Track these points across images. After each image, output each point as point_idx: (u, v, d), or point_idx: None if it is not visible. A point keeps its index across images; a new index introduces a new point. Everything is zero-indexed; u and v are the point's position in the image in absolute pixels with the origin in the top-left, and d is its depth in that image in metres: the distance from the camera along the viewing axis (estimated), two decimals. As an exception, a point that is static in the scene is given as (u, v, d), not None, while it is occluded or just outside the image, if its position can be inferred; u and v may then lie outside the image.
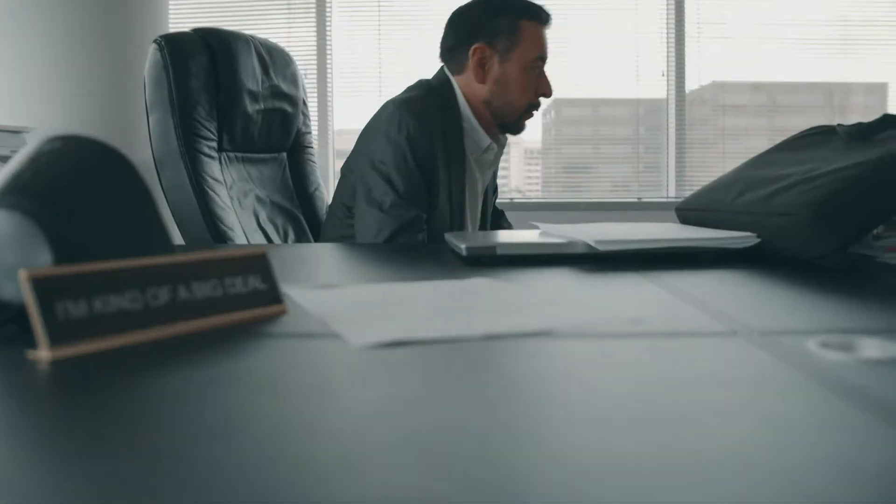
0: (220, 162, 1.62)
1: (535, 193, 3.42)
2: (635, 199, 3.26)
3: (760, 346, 0.44)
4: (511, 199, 3.20)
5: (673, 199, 3.13)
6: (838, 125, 1.06)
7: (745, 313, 0.54)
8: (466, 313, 0.53)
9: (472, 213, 1.54)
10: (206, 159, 1.53)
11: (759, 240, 0.87)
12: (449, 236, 1.01)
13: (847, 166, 0.86)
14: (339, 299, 0.60)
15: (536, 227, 1.08)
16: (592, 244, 0.84)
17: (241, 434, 0.29)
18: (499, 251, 0.88)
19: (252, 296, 0.53)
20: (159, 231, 0.52)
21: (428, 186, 1.37)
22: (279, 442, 0.29)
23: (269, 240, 1.85)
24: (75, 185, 0.49)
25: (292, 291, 0.64)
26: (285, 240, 1.94)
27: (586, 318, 0.51)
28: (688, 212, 1.08)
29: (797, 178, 0.89)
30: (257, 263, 0.54)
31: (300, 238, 2.02)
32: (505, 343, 0.45)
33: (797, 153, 1.03)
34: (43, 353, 0.41)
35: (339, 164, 3.20)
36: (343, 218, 1.46)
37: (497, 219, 1.78)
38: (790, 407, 0.33)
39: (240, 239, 1.67)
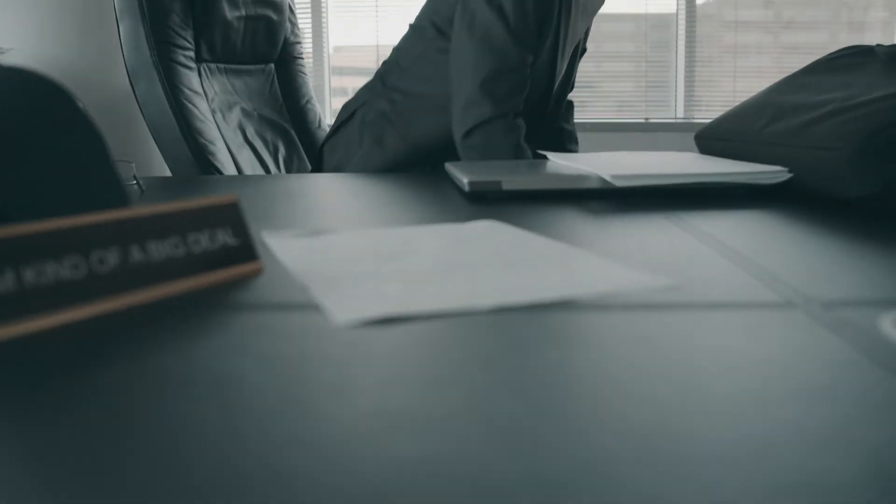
0: (200, 73, 1.51)
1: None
2: (642, 120, 3.14)
3: (828, 325, 0.37)
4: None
5: (682, 120, 3.02)
6: (877, 45, 0.96)
7: (798, 275, 0.46)
8: (471, 272, 0.45)
9: (561, 70, 1.32)
10: (182, 70, 1.42)
11: (790, 175, 0.79)
12: (450, 167, 0.92)
13: (894, 94, 0.77)
14: (324, 252, 0.52)
15: (544, 157, 0.99)
16: (609, 179, 0.76)
17: (187, 447, 0.22)
18: (504, 187, 0.79)
19: (221, 253, 0.45)
20: (111, 181, 0.43)
21: (539, 27, 1.18)
22: (232, 456, 0.22)
23: (258, 154, 1.76)
24: (3, 128, 0.41)
25: (271, 240, 0.57)
26: (275, 155, 1.85)
27: (612, 281, 0.43)
28: (709, 141, 0.99)
29: (836, 105, 0.80)
30: (227, 213, 0.46)
31: (291, 152, 1.92)
32: (517, 317, 0.38)
33: (832, 77, 0.93)
34: (-42, 339, 0.33)
35: (336, 81, 3.05)
36: (432, 39, 1.27)
37: (568, 112, 1.49)
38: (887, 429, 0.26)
39: (222, 154, 1.58)
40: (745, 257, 0.51)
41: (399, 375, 0.31)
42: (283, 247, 0.54)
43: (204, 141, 1.55)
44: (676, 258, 0.51)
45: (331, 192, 0.92)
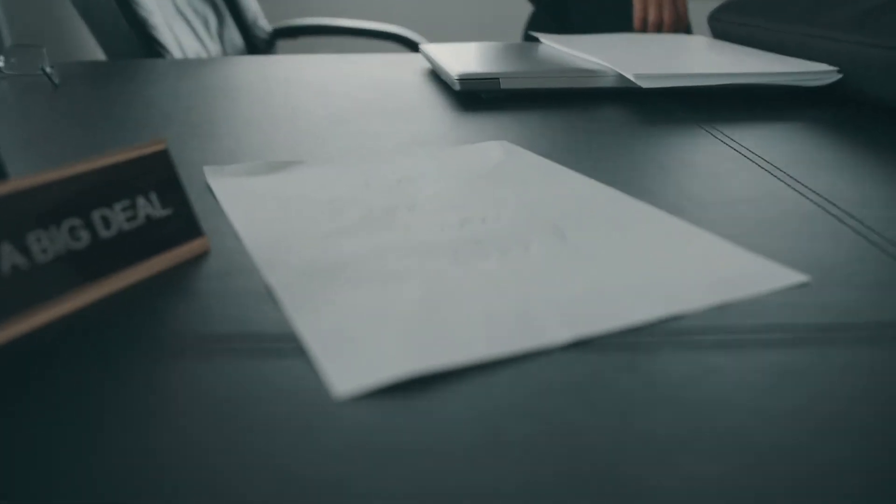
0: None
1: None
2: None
3: None
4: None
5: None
6: None
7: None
8: (510, 257, 0.32)
9: None
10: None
11: (839, 76, 0.66)
12: (428, 51, 0.75)
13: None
14: (290, 209, 0.37)
15: (536, 40, 0.83)
16: (632, 78, 0.61)
17: None
18: (504, 85, 0.64)
19: (147, 233, 0.30)
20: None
21: None
22: None
23: (192, 27, 1.53)
24: None
25: (216, 182, 0.41)
26: (206, 26, 1.61)
27: (727, 280, 0.31)
28: (729, 24, 0.83)
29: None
30: (152, 171, 0.30)
31: (221, 23, 1.69)
32: (607, 356, 0.25)
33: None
34: None
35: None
36: None
37: None
38: None
39: (163, 30, 1.35)
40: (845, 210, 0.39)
41: (434, 485, 0.18)
42: (233, 197, 0.38)
43: (143, 14, 1.31)
44: (756, 203, 0.38)
45: (291, 84, 0.75)
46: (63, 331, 0.26)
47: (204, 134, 0.53)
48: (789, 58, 0.70)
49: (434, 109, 0.61)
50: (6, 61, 0.75)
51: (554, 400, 0.22)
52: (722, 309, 0.28)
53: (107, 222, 0.28)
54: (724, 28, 0.84)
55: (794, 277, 0.30)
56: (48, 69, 0.71)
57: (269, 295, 0.28)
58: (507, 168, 0.44)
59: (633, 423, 0.21)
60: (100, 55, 1.67)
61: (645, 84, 0.61)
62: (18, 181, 0.26)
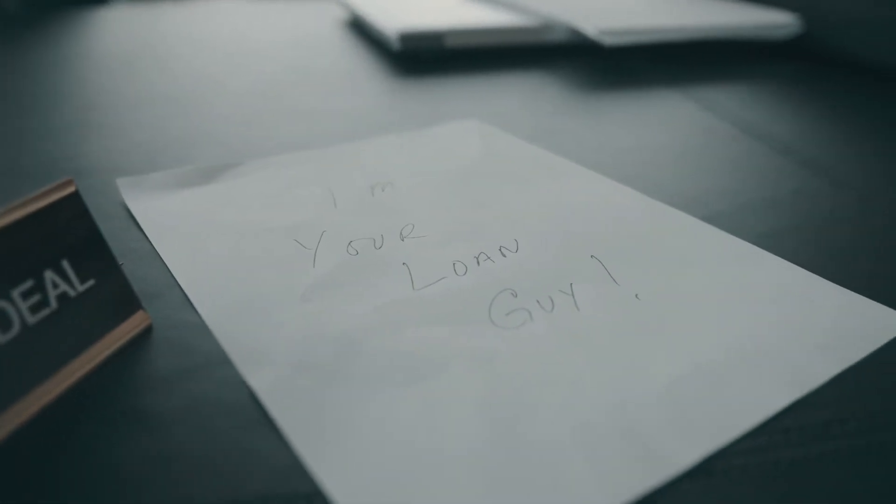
0: None
1: None
2: None
3: None
4: None
5: None
6: None
7: None
8: (551, 317, 0.24)
9: None
10: None
11: (799, 28, 0.61)
12: (354, 5, 0.65)
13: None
14: (241, 247, 0.28)
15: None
16: (594, 35, 0.54)
17: None
18: (449, 43, 0.55)
19: (62, 323, 0.21)
20: None
21: None
22: None
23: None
24: None
25: (135, 204, 0.31)
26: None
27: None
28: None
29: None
30: (60, 228, 0.21)
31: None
32: (753, 486, 0.19)
33: None
34: None
35: None
36: None
37: None
38: None
39: None
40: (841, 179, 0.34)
41: None
42: (162, 229, 0.29)
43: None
44: (786, 204, 0.33)
45: (190, 41, 0.63)
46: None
47: (94, 123, 0.42)
48: (750, 7, 0.65)
49: (369, 74, 0.52)
50: None
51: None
52: (840, 380, 0.22)
53: (4, 321, 0.19)
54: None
55: (896, 319, 0.25)
56: None
57: (259, 411, 0.20)
58: (492, 160, 0.37)
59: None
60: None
61: (609, 41, 0.54)
62: None
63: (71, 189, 0.22)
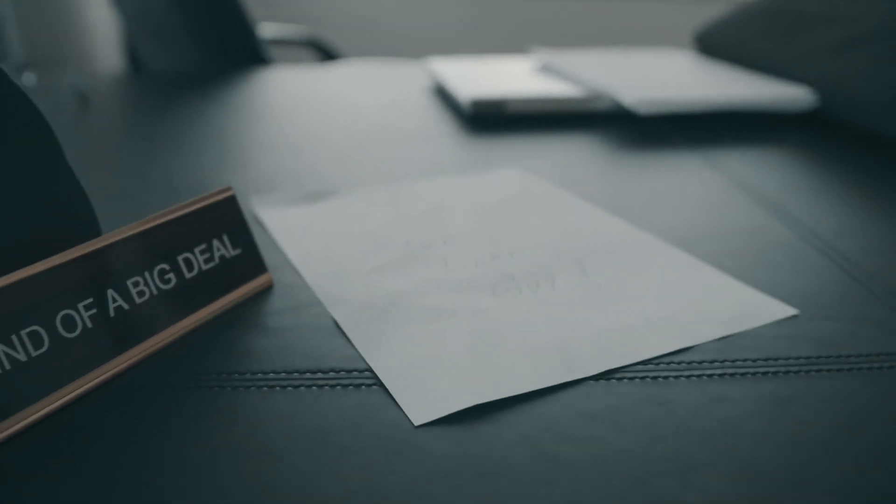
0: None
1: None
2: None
3: None
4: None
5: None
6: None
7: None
8: (538, 288, 0.36)
9: None
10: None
11: (816, 102, 0.70)
12: (434, 65, 0.79)
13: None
14: (334, 237, 0.41)
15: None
16: (630, 105, 0.66)
17: None
18: (510, 109, 0.68)
19: (221, 272, 0.33)
20: (64, 186, 0.30)
21: None
22: None
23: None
24: None
25: (266, 214, 0.45)
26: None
27: (731, 314, 0.35)
28: (714, 45, 0.88)
29: (874, 22, 0.71)
30: (222, 215, 0.34)
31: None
32: (635, 389, 0.30)
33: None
34: None
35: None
36: None
37: None
38: None
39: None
40: (836, 248, 0.43)
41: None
42: (284, 229, 0.42)
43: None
44: (744, 236, 0.43)
45: (305, 101, 0.78)
46: (158, 363, 0.29)
47: (237, 159, 0.57)
48: (772, 81, 0.75)
49: (444, 131, 0.65)
50: (27, 77, 0.77)
51: (590, 425, 0.27)
52: (725, 341, 0.32)
53: (190, 264, 0.32)
54: (709, 47, 0.89)
55: (786, 311, 0.35)
56: (76, 90, 0.74)
57: (336, 329, 0.32)
58: (524, 197, 0.48)
59: (657, 445, 0.26)
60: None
61: (643, 110, 0.65)
62: (119, 232, 0.30)
63: (229, 193, 0.35)
